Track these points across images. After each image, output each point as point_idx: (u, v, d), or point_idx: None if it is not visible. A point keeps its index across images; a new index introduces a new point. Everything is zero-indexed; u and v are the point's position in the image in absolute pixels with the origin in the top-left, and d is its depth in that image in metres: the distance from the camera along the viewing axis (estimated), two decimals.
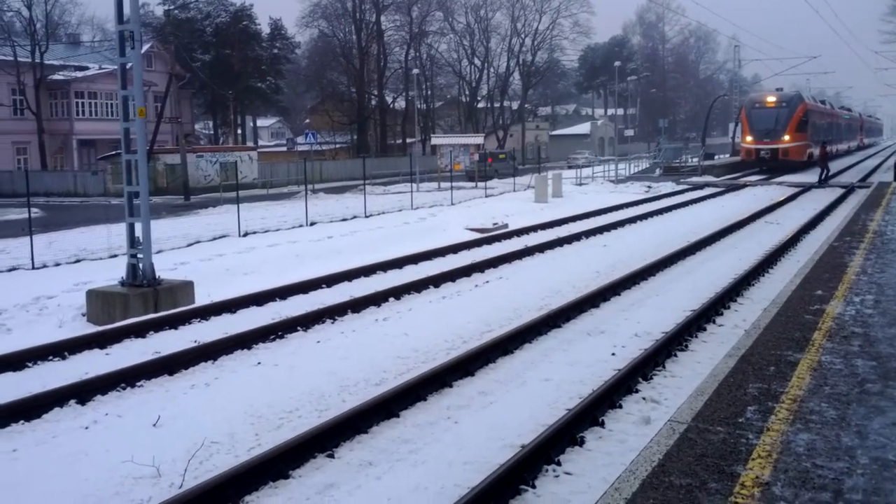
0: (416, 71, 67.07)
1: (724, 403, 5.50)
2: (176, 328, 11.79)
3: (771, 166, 47.85)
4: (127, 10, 13.94)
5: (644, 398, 8.26)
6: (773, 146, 47.71)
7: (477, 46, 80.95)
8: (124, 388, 8.82)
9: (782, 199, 30.95)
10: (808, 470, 4.39)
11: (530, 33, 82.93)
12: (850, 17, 71.93)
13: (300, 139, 60.94)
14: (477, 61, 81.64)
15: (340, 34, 72.05)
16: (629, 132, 72.01)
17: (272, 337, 10.96)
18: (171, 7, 58.91)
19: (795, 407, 5.39)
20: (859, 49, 75.86)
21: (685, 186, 40.06)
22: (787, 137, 47.58)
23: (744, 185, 39.65)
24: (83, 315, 13.48)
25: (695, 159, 55.04)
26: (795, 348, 6.89)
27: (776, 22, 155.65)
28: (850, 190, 33.86)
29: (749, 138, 49.15)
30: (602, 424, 7.55)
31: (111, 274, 15.26)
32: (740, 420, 5.17)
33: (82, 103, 52.15)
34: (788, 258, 17.15)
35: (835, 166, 54.61)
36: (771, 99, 49.17)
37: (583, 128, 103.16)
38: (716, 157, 59.85)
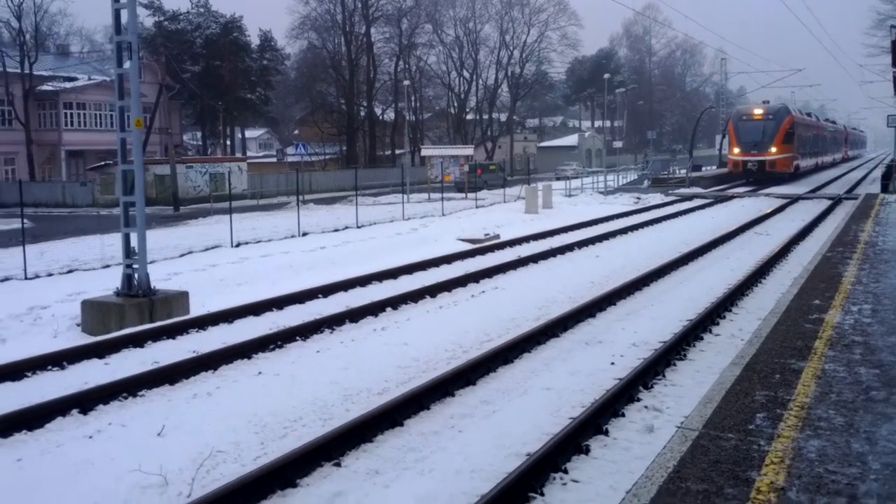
0: (406, 82, 67.22)
1: (733, 411, 5.56)
2: (174, 338, 11.76)
3: (758, 178, 48.22)
4: (124, 20, 13.94)
5: (646, 406, 8.32)
6: (761, 158, 48.11)
7: (466, 58, 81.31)
8: (126, 398, 8.80)
9: (770, 210, 31.19)
10: (821, 475, 4.44)
11: (518, 45, 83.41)
12: (836, 31, 72.81)
13: (290, 150, 60.95)
14: (466, 73, 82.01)
15: (330, 46, 72.18)
16: (618, 144, 72.33)
17: (272, 347, 10.95)
18: (162, 18, 58.90)
19: (804, 414, 5.46)
20: (845, 62, 76.65)
21: (674, 198, 40.29)
22: (773, 149, 48.00)
23: (732, 197, 39.91)
24: (78, 325, 13.43)
25: (682, 171, 55.40)
26: (798, 357, 6.96)
27: (763, 35, 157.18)
28: (837, 201, 34.16)
29: (736, 150, 49.54)
30: (606, 433, 7.60)
31: (105, 284, 15.22)
32: (750, 427, 5.23)
33: (71, 114, 51.95)
34: (780, 268, 17.29)
35: (821, 178, 55.17)
36: (758, 111, 49.62)
37: (570, 140, 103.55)
38: (703, 168, 60.22)
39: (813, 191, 42.42)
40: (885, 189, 33.60)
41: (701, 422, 5.34)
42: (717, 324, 12.17)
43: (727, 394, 5.95)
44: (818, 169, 63.98)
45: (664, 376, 9.45)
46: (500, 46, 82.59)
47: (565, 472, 6.73)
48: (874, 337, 7.63)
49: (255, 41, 67.91)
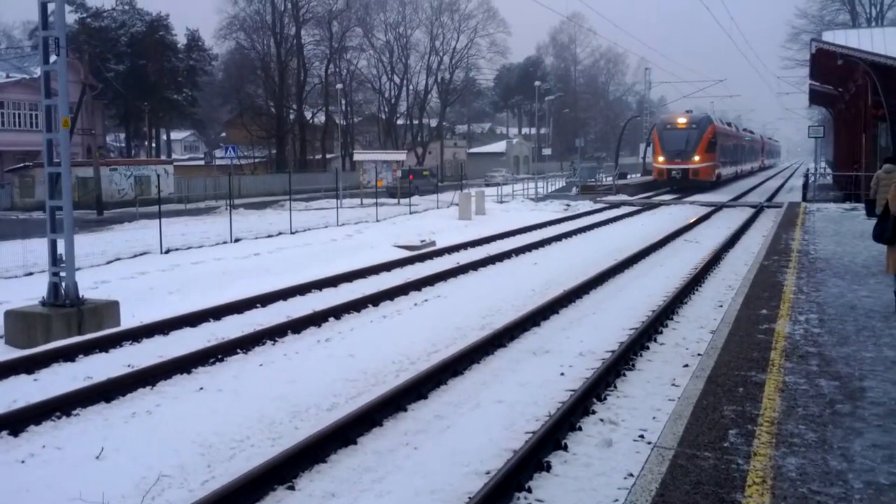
0: (339, 86, 66.50)
1: (704, 427, 5.50)
2: (107, 351, 11.20)
3: (682, 186, 49.33)
4: (51, 15, 13.29)
5: (602, 419, 8.24)
6: (684, 166, 49.25)
7: (396, 63, 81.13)
8: (59, 418, 8.28)
9: (697, 218, 31.89)
10: (806, 497, 4.39)
11: (448, 51, 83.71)
12: (756, 43, 75.21)
13: (218, 153, 59.58)
14: (396, 78, 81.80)
15: (259, 47, 70.98)
16: (547, 151, 73.16)
17: (212, 360, 10.52)
18: (85, 15, 56.98)
19: (775, 430, 5.43)
20: (764, 73, 79.40)
21: (602, 205, 40.85)
22: (697, 158, 49.21)
23: (658, 204, 40.70)
24: (0, 337, 12.71)
25: (609, 178, 56.31)
26: (758, 369, 6.98)
27: (686, 45, 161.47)
28: (759, 209, 35.14)
29: (661, 158, 50.63)
30: (565, 448, 7.48)
31: (29, 293, 14.47)
32: (725, 444, 5.17)
33: None
34: (714, 276, 17.60)
35: (741, 186, 56.83)
36: (682, 120, 50.81)
37: (499, 146, 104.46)
38: (628, 176, 61.36)
39: (735, 199, 43.61)
40: (805, 198, 34.74)
41: (675, 440, 5.26)
42: (661, 332, 12.25)
43: (695, 409, 5.89)
44: (738, 177, 65.94)
45: (615, 387, 9.41)
46: (430, 52, 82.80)
47: (529, 491, 6.58)
48: (827, 347, 7.73)
49: (181, 40, 66.46)
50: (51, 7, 13.49)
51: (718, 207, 37.48)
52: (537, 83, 74.15)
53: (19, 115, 50.38)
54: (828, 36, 36.22)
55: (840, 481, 4.58)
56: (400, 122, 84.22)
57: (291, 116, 71.70)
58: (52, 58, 13.43)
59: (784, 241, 17.31)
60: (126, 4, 62.00)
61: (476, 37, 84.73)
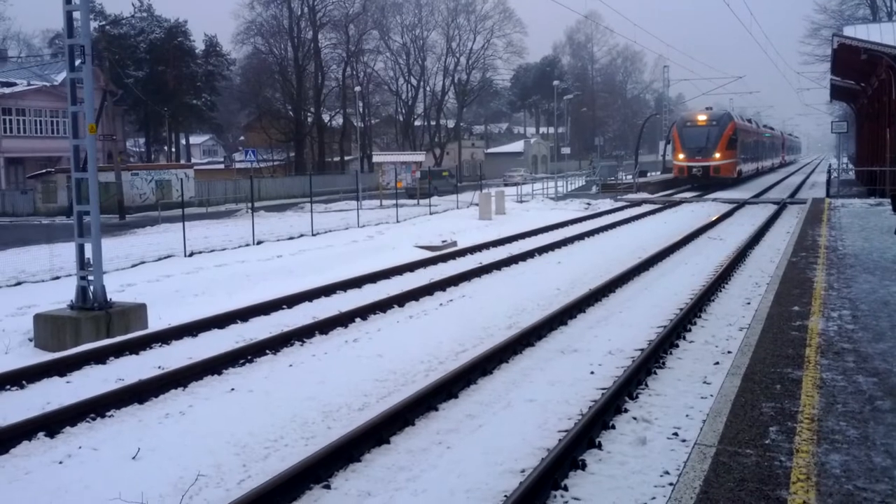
0: (358, 88, 66.60)
1: (744, 425, 5.46)
2: (137, 353, 11.28)
3: (703, 183, 49.00)
4: (77, 23, 13.40)
5: (635, 418, 8.20)
6: (705, 163, 48.94)
7: (413, 65, 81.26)
8: (94, 419, 8.35)
9: (719, 215, 31.65)
10: (852, 493, 4.35)
11: (465, 52, 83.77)
12: (775, 38, 74.63)
13: (237, 156, 59.91)
14: (413, 80, 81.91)
15: (277, 51, 71.31)
16: (566, 150, 73.01)
17: (241, 361, 10.57)
18: (104, 23, 57.44)
19: (816, 427, 5.38)
20: (784, 69, 78.79)
21: (623, 203, 40.66)
22: (717, 155, 48.88)
23: (680, 202, 40.45)
24: (30, 340, 12.84)
25: (629, 177, 56.07)
26: (793, 366, 6.92)
27: (705, 41, 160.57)
28: (782, 206, 34.83)
29: (681, 156, 50.33)
30: (599, 446, 7.46)
31: (56, 297, 14.62)
32: (766, 441, 5.13)
33: (10, 120, 50.24)
34: (740, 273, 17.46)
35: (763, 183, 56.44)
36: (702, 117, 50.45)
37: (517, 146, 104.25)
38: (648, 174, 61.08)
39: (757, 195, 43.26)
40: (828, 193, 34.44)
41: (715, 437, 5.22)
42: (689, 330, 12.17)
43: (734, 406, 5.85)
44: (759, 174, 65.48)
45: (647, 385, 9.37)
46: (447, 53, 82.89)
47: (565, 489, 6.56)
48: (862, 344, 7.65)
49: (200, 46, 66.90)
50: (75, 15, 13.62)
51: (741, 204, 37.20)
52: (556, 82, 73.98)
53: (40, 121, 50.96)
54: (849, 31, 35.90)
55: (886, 478, 4.53)
56: (417, 123, 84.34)
57: (309, 119, 71.98)
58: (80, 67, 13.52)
59: (811, 238, 17.16)
60: (144, 11, 62.53)
61: (492, 37, 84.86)
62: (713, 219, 30.03)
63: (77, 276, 13.57)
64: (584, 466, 7.02)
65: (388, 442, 7.75)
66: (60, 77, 49.68)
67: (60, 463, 7.29)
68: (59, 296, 14.57)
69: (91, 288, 13.36)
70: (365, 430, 7.62)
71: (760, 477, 4.59)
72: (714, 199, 40.55)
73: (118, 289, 15.66)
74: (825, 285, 11.00)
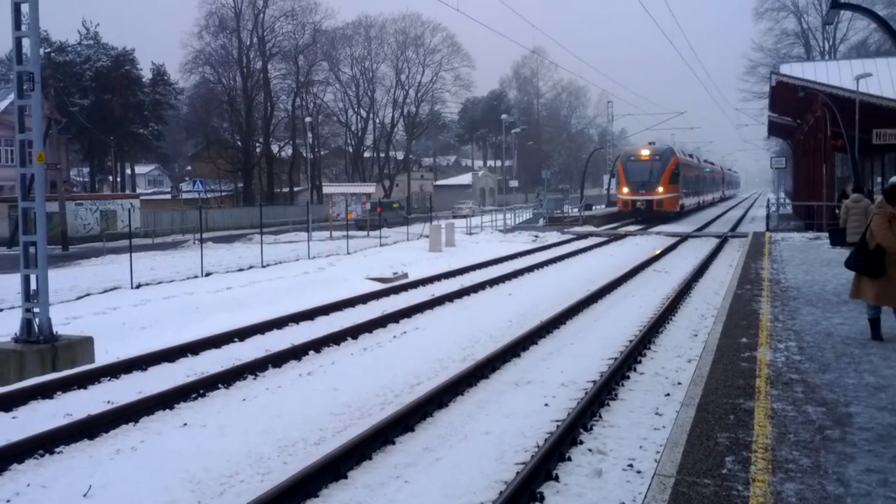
0: (308, 119, 66.48)
1: (701, 455, 5.59)
2: (85, 388, 11.02)
3: (646, 216, 49.98)
4: (26, 50, 13.24)
5: (590, 449, 8.30)
6: (649, 197, 49.99)
7: (362, 97, 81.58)
8: (42, 455, 8.13)
9: (663, 248, 32.27)
10: None
11: (414, 85, 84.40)
12: (716, 75, 77.02)
13: (185, 186, 59.16)
14: (362, 111, 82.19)
15: (225, 81, 70.90)
16: (514, 183, 73.82)
17: (193, 395, 10.42)
18: (49, 49, 56.55)
19: (770, 456, 5.54)
20: (724, 105, 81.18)
21: (570, 236, 41.22)
22: (660, 189, 49.99)
23: (625, 235, 41.13)
24: None
25: (575, 210, 56.90)
26: (745, 396, 7.11)
27: (647, 77, 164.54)
28: (724, 240, 35.66)
29: (625, 190, 51.35)
30: (556, 479, 7.52)
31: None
32: (724, 471, 5.26)
33: None
34: (686, 306, 17.82)
35: (704, 216, 57.77)
36: (645, 152, 51.61)
37: (465, 178, 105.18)
38: (594, 207, 62.07)
39: (699, 229, 44.26)
40: (768, 227, 35.44)
41: (674, 467, 5.34)
42: (640, 362, 12.37)
43: (689, 436, 5.98)
44: (700, 208, 67.06)
45: (600, 417, 9.49)
46: (396, 86, 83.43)
47: None
48: (809, 374, 7.90)
49: (147, 75, 66.16)
50: (24, 42, 13.45)
51: (684, 238, 38.00)
52: (504, 116, 75.07)
53: None
54: (785, 69, 37.31)
55: None
56: (367, 154, 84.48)
57: (258, 150, 71.58)
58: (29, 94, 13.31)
59: (754, 270, 17.64)
60: (91, 39, 61.72)
61: (441, 70, 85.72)
62: (658, 252, 30.60)
63: (22, 308, 13.25)
64: (542, 499, 7.08)
65: (345, 477, 7.70)
66: (4, 104, 48.65)
67: (8, 502, 7.08)
68: (2, 329, 14.20)
69: (37, 320, 13.07)
70: (322, 465, 7.57)
71: None
72: (658, 233, 41.36)
73: (63, 321, 15.31)
74: (770, 317, 11.32)
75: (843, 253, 18.72)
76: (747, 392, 7.25)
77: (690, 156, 65.95)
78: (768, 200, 46.37)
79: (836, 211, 23.48)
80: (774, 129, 54.96)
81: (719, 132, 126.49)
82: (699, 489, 4.96)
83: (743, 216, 62.12)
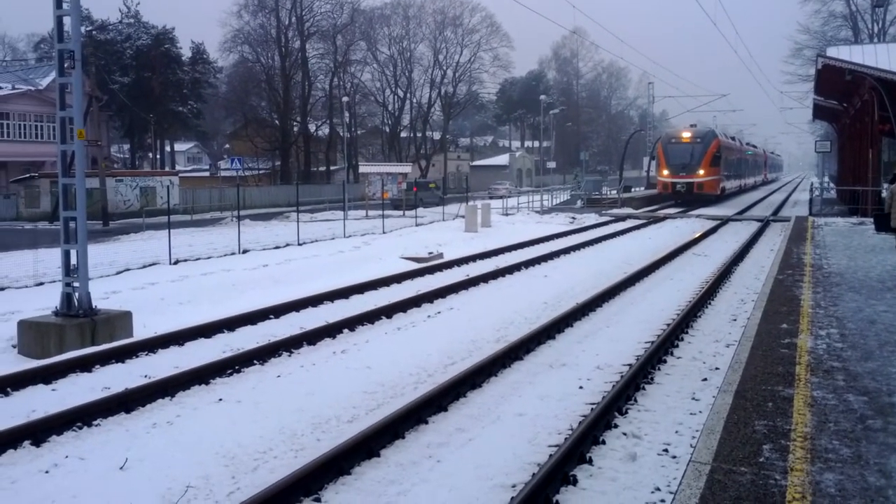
0: (345, 99, 66.64)
1: (737, 442, 5.48)
2: (123, 362, 11.18)
3: (686, 199, 49.31)
4: (68, 28, 13.34)
5: (625, 433, 8.21)
6: (689, 180, 49.24)
7: (399, 77, 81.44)
8: (80, 428, 8.26)
9: (703, 231, 31.81)
10: None
11: (451, 65, 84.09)
12: (760, 57, 75.52)
13: (223, 164, 59.72)
14: (400, 91, 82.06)
15: (264, 60, 71.19)
16: (552, 164, 73.29)
17: (229, 371, 10.51)
18: (91, 28, 57.21)
19: (809, 445, 5.41)
20: (767, 88, 79.68)
21: (608, 218, 40.82)
22: (701, 172, 49.19)
23: (664, 218, 40.63)
24: (14, 347, 12.74)
25: (613, 192, 56.35)
26: (784, 383, 6.96)
27: (690, 59, 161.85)
28: (765, 223, 35.09)
29: (665, 172, 50.63)
30: (590, 462, 7.46)
31: (40, 303, 14.50)
32: (761, 460, 5.15)
33: None
34: (725, 290, 17.56)
35: (745, 200, 56.83)
36: (686, 134, 50.81)
37: (502, 159, 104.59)
38: (633, 189, 61.38)
39: (740, 212, 43.58)
40: (811, 212, 34.74)
41: (710, 455, 5.23)
42: (677, 346, 12.21)
43: (727, 423, 5.87)
44: (741, 191, 65.96)
45: (636, 401, 9.39)
46: (434, 65, 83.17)
47: None
48: (851, 362, 7.71)
49: (186, 53, 66.67)
50: (66, 20, 13.55)
51: (724, 221, 37.44)
52: (542, 97, 74.37)
53: (24, 126, 50.61)
54: (832, 52, 36.31)
55: (881, 497, 4.56)
56: (403, 134, 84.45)
57: (296, 129, 71.89)
58: (70, 72, 13.44)
59: (796, 255, 17.30)
60: (132, 17, 62.32)
61: (479, 51, 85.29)
62: (697, 235, 30.19)
63: (62, 282, 13.47)
64: (575, 482, 7.02)
65: (378, 455, 7.71)
66: (46, 81, 49.36)
67: (47, 472, 7.20)
68: (44, 302, 14.46)
69: (76, 295, 13.26)
70: (355, 443, 7.58)
71: (756, 495, 4.60)
72: (698, 216, 40.78)
73: (103, 296, 15.53)
74: (812, 303, 11.08)
75: (888, 239, 18.34)
76: (787, 379, 7.10)
77: (732, 138, 64.82)
78: (811, 184, 45.39)
79: (882, 195, 22.90)
80: (819, 113, 53.69)
81: (762, 115, 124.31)
82: (735, 477, 4.86)
83: (785, 200, 61.01)
